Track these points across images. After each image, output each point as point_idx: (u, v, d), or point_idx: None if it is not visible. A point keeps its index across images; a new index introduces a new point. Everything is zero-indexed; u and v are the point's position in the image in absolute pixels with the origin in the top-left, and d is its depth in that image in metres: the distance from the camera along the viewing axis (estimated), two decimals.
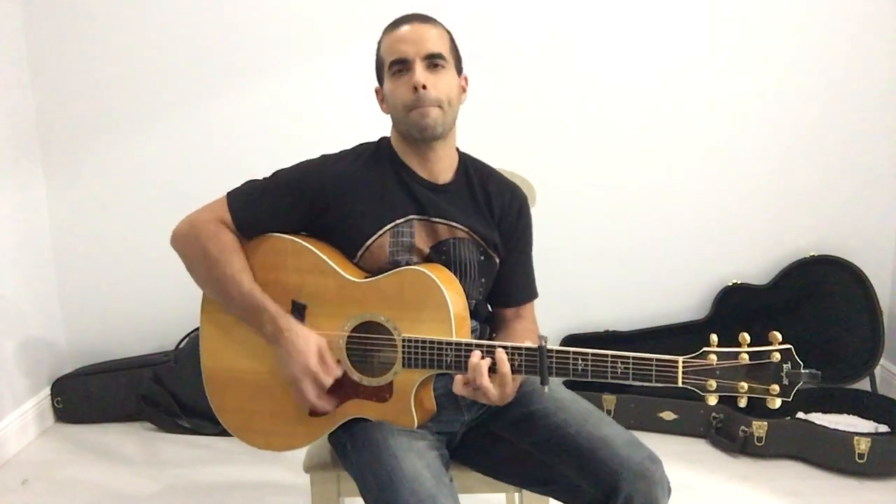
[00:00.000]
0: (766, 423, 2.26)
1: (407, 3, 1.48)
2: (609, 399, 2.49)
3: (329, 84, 2.55)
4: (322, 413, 1.38)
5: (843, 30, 2.52)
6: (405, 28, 1.38)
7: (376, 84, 1.47)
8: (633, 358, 1.22)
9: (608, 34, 2.54)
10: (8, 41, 2.45)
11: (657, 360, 1.21)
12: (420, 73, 1.35)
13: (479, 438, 1.44)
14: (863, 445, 2.15)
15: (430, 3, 1.58)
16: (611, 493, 1.25)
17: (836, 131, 2.58)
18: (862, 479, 2.18)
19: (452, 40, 1.44)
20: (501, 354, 1.26)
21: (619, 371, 1.23)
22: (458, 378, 1.29)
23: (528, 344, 1.27)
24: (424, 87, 1.34)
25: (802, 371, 1.15)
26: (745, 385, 1.17)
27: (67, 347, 2.73)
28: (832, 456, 2.21)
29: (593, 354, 1.24)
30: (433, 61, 1.37)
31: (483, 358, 1.26)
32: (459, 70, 1.45)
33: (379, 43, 1.44)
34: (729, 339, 1.21)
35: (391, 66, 1.38)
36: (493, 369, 1.26)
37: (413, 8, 1.44)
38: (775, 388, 1.16)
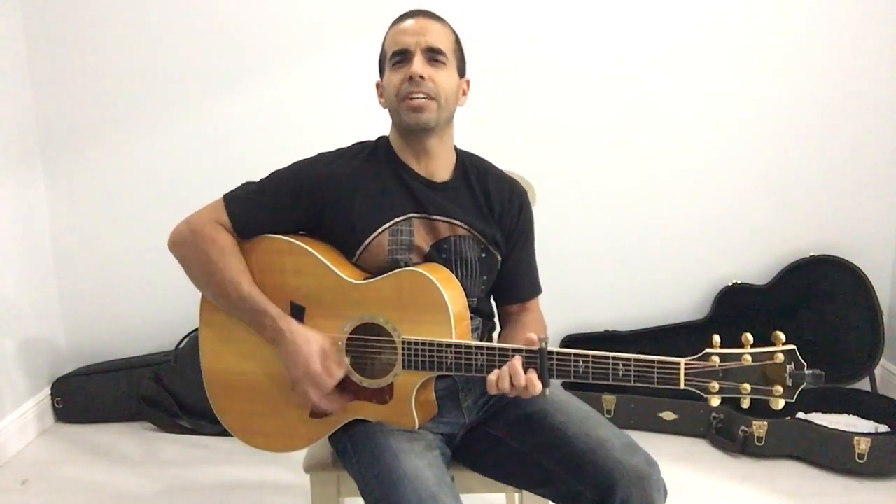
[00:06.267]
0: (766, 423, 2.26)
1: (406, 4, 1.48)
2: (609, 399, 2.49)
3: (330, 86, 2.54)
4: (325, 414, 1.38)
5: (843, 29, 2.51)
6: (410, 21, 1.39)
7: (378, 79, 1.46)
8: (635, 360, 1.21)
9: (608, 33, 2.53)
10: (8, 41, 2.45)
11: (659, 361, 1.20)
12: (418, 63, 1.35)
13: (479, 440, 1.44)
14: (863, 445, 2.15)
15: (429, 2, 1.58)
16: (607, 496, 1.24)
17: (835, 131, 2.58)
18: (862, 479, 2.18)
19: (458, 42, 1.44)
20: (517, 368, 1.23)
21: (621, 373, 1.22)
22: (491, 378, 1.25)
23: (529, 346, 1.25)
24: (421, 76, 1.34)
25: (806, 372, 1.14)
26: (747, 386, 1.16)
27: (67, 347, 2.72)
28: (832, 456, 2.21)
29: (594, 356, 1.23)
30: (433, 56, 1.37)
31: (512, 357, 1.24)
32: (462, 72, 1.44)
33: (384, 38, 1.44)
34: (729, 340, 1.20)
35: (392, 57, 1.38)
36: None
37: (411, 8, 1.43)
38: (779, 389, 1.15)
